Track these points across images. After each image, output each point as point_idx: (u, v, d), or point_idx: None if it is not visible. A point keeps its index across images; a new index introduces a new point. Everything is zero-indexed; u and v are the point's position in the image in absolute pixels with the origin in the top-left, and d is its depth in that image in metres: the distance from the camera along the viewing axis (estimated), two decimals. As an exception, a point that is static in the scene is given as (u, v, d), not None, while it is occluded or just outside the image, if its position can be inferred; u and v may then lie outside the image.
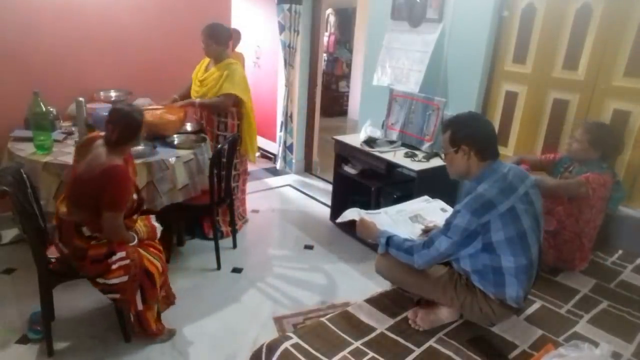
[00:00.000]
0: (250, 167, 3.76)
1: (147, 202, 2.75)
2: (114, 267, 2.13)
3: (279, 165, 5.14)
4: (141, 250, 2.25)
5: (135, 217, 2.32)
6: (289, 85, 4.82)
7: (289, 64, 4.74)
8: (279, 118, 5.04)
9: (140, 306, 2.25)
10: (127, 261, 2.16)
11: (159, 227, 2.45)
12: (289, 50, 4.67)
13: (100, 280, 2.15)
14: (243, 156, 3.53)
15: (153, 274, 2.23)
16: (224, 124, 3.32)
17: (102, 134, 2.21)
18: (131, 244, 2.21)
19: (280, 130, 5.01)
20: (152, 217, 2.49)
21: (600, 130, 2.29)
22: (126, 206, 2.14)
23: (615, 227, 2.48)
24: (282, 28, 4.57)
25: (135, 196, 2.27)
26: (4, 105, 3.12)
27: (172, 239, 3.28)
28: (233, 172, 3.34)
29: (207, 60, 3.34)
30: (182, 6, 3.88)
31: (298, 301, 2.82)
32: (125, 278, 2.15)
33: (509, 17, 2.94)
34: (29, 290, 2.53)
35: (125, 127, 2.12)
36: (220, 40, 3.19)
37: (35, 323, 2.34)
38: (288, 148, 5.04)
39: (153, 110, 3.06)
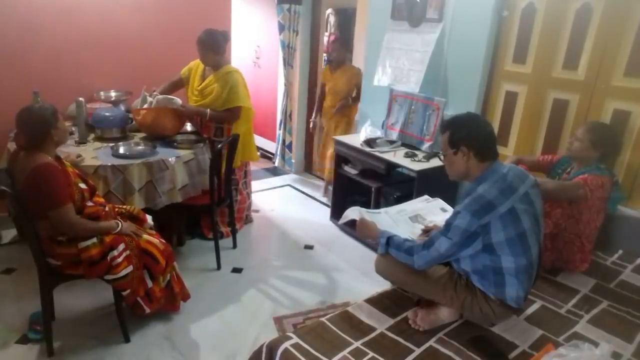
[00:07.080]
0: (250, 167, 3.75)
1: (146, 201, 2.75)
2: (118, 260, 2.16)
3: (277, 162, 5.14)
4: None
5: (106, 208, 2.31)
6: (288, 85, 4.82)
7: (288, 64, 4.74)
8: (279, 118, 5.04)
9: (149, 284, 2.32)
10: (128, 252, 2.21)
11: (149, 217, 2.52)
12: (288, 50, 4.67)
13: (108, 278, 2.18)
14: (241, 164, 3.43)
15: (152, 252, 2.30)
16: (221, 130, 3.30)
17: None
18: (115, 231, 2.22)
19: (279, 128, 5.01)
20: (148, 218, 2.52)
21: (603, 130, 2.28)
22: (70, 198, 2.10)
23: (615, 227, 2.48)
24: (281, 28, 4.57)
25: (83, 185, 2.25)
26: (3, 105, 3.12)
27: (173, 239, 3.28)
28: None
29: (201, 64, 3.24)
30: (182, 6, 3.87)
31: (298, 301, 2.82)
32: (130, 268, 2.20)
33: (509, 17, 2.94)
34: (29, 290, 2.54)
35: (29, 128, 2.08)
36: (218, 50, 3.11)
37: (35, 323, 2.34)
38: (287, 146, 5.04)
39: (156, 110, 3.06)
